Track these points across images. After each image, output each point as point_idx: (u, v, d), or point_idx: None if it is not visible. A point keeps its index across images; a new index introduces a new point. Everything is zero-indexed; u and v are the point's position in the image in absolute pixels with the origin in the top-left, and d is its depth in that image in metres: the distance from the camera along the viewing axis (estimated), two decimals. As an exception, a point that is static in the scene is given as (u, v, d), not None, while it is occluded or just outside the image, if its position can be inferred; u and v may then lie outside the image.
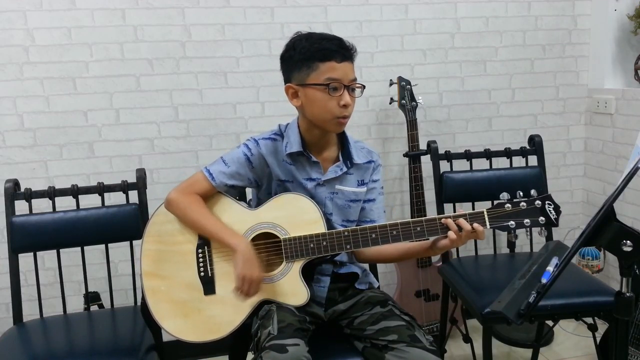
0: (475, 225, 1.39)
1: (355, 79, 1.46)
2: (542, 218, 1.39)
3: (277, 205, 1.49)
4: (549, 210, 1.39)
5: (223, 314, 1.45)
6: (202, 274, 1.48)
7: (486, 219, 1.40)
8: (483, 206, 1.44)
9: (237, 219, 1.50)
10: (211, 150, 2.35)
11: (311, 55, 1.41)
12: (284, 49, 1.49)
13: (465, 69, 2.55)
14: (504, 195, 1.41)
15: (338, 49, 1.42)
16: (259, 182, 1.56)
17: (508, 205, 1.39)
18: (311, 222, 1.46)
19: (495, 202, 1.42)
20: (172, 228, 1.51)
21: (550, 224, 1.39)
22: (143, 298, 1.49)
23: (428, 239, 1.45)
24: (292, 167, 1.53)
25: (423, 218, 1.42)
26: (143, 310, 1.50)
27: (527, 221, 1.39)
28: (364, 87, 1.49)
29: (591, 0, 2.59)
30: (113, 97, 2.24)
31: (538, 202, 1.39)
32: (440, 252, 1.47)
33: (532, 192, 1.41)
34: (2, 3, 2.09)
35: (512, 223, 1.39)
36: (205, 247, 1.49)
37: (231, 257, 1.43)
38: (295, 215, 1.47)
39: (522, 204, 1.39)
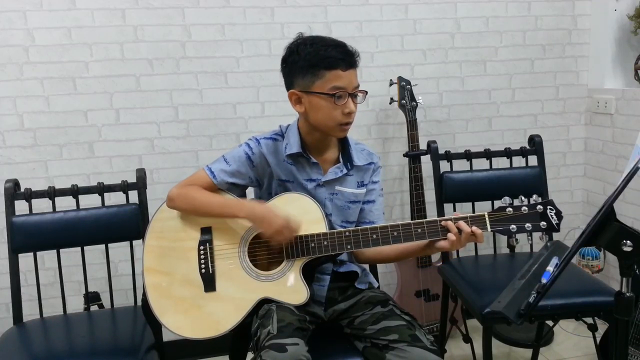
0: (474, 228, 1.38)
1: (358, 86, 1.47)
2: (543, 223, 1.38)
3: (280, 204, 1.48)
4: (551, 216, 1.38)
5: (222, 312, 1.45)
6: (203, 270, 1.48)
7: (487, 222, 1.40)
8: (483, 206, 1.45)
9: None
10: (211, 150, 2.35)
11: (317, 63, 1.41)
12: (286, 51, 1.48)
13: (465, 69, 2.55)
14: (506, 200, 1.40)
15: (344, 57, 1.42)
16: (260, 181, 1.56)
17: (510, 209, 1.39)
18: (313, 222, 1.46)
19: (497, 205, 1.42)
20: (175, 224, 1.51)
21: (552, 229, 1.39)
22: (144, 294, 1.49)
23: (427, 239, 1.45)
24: (293, 167, 1.53)
25: (424, 220, 1.42)
26: (144, 306, 1.50)
27: (528, 225, 1.38)
28: (366, 92, 1.50)
29: (591, 0, 2.59)
30: (113, 97, 2.24)
31: (540, 207, 1.39)
32: (437, 252, 1.46)
33: (534, 197, 1.40)
34: (2, 3, 2.09)
35: (513, 227, 1.38)
36: (207, 244, 1.49)
37: (253, 227, 1.45)
38: (297, 214, 1.46)
39: (524, 208, 1.39)
